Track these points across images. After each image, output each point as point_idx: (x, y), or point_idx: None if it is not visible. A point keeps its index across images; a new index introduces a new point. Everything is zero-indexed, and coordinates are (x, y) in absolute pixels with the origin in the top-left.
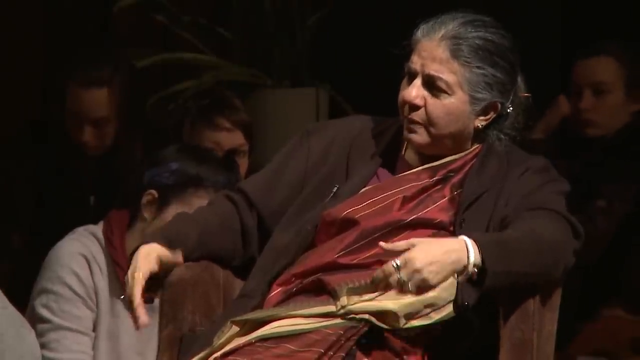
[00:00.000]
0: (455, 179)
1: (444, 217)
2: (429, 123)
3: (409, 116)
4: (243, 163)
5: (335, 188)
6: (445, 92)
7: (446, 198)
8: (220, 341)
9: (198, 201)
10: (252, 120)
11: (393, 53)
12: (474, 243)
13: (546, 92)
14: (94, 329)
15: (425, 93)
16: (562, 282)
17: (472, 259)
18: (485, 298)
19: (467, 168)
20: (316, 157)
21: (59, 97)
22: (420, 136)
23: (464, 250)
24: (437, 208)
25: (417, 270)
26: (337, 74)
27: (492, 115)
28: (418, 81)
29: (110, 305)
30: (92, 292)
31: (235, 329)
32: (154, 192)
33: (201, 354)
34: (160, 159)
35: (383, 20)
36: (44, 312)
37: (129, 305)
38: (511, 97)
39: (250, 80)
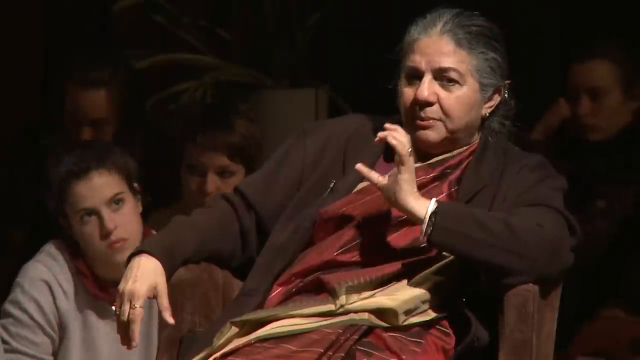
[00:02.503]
0: (453, 176)
1: None
2: (445, 116)
3: (424, 113)
4: (232, 182)
5: (333, 183)
6: (458, 83)
7: (444, 194)
8: (220, 342)
9: (78, 190)
10: (246, 142)
11: (392, 54)
12: (435, 202)
13: (546, 92)
14: (66, 351)
15: (437, 88)
16: (562, 282)
17: (429, 209)
18: (484, 297)
19: (464, 165)
20: (313, 155)
21: (58, 98)
22: (436, 132)
23: (426, 205)
24: None
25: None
26: (337, 75)
27: (496, 100)
28: (427, 78)
29: (82, 320)
30: (54, 318)
31: (234, 329)
32: (60, 218)
33: (201, 355)
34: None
35: (382, 21)
36: (3, 334)
37: (122, 324)
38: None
39: (249, 81)
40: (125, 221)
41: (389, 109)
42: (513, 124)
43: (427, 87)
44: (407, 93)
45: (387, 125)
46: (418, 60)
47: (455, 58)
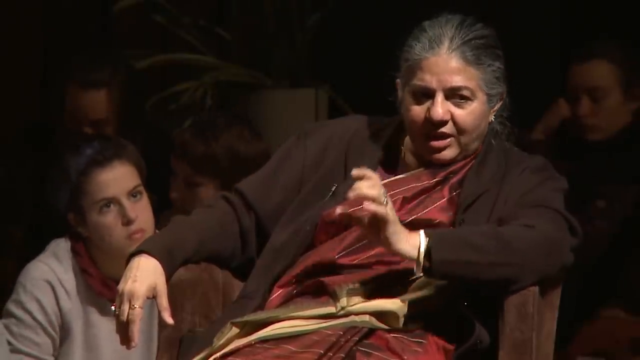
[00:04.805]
0: (455, 179)
1: (444, 217)
2: (459, 133)
3: (438, 132)
4: (200, 193)
5: (334, 187)
6: (469, 99)
7: (445, 199)
8: (220, 342)
9: (101, 178)
10: (220, 159)
11: (392, 54)
12: (425, 235)
13: (546, 92)
14: (68, 351)
15: (449, 106)
16: (562, 282)
17: (422, 249)
18: (484, 298)
19: (466, 169)
20: (313, 156)
21: (59, 98)
22: (450, 151)
23: (416, 244)
24: (437, 209)
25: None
26: (337, 75)
27: (499, 104)
28: (439, 97)
29: (84, 319)
30: (56, 319)
31: (234, 330)
32: (70, 215)
33: (201, 355)
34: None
35: (383, 21)
36: (5, 334)
37: (121, 324)
38: None
39: (249, 81)
40: (144, 213)
41: (389, 109)
42: (512, 123)
43: (441, 107)
44: (417, 111)
45: (354, 173)
46: (428, 79)
47: (465, 76)
